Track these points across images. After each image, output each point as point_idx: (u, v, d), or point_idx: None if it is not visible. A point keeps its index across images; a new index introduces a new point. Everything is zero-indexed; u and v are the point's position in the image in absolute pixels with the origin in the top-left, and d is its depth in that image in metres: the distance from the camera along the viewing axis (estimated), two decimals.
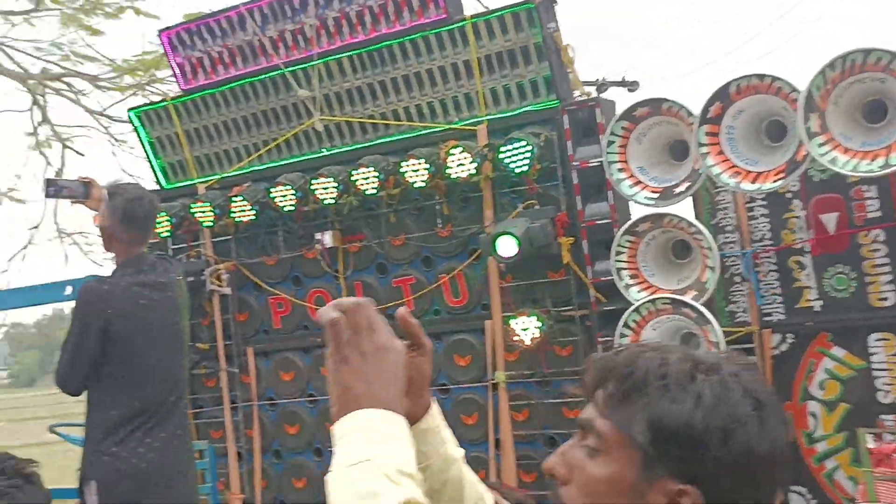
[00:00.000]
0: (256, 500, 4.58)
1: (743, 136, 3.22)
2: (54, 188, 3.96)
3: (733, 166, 3.19)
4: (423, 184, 3.96)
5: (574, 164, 3.78)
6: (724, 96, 3.14)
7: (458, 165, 3.88)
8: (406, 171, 3.96)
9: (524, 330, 3.83)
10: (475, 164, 3.85)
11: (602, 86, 10.49)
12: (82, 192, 3.90)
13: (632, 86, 10.94)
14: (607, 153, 3.51)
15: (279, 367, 4.66)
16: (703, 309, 3.34)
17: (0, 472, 1.88)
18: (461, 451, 1.22)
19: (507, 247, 3.63)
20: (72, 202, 3.94)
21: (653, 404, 0.96)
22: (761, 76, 3.07)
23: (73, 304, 3.27)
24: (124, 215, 3.31)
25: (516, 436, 4.02)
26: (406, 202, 4.19)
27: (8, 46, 7.54)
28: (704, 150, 3.21)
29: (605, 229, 3.75)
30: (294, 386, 4.63)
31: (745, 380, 0.99)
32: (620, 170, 3.50)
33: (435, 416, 1.20)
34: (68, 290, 3.77)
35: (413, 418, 1.14)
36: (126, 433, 3.21)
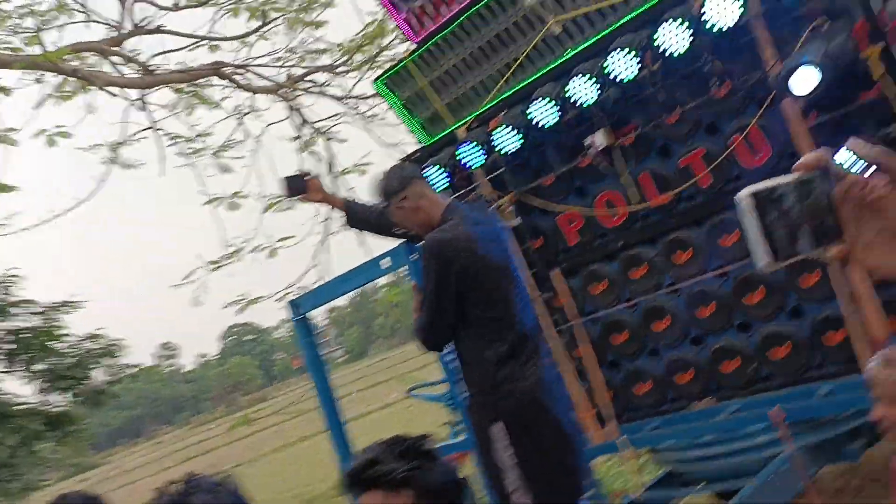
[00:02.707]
0: (609, 413, 4.59)
1: None
2: (284, 188, 3.99)
3: None
4: (685, 47, 3.59)
5: None
6: None
7: (719, 12, 3.45)
8: (662, 41, 3.61)
9: (848, 166, 3.35)
10: (740, 4, 3.41)
11: None
12: (301, 186, 3.94)
13: None
14: None
15: (588, 280, 4.58)
16: None
17: (401, 458, 1.79)
18: None
19: (806, 80, 3.17)
20: (298, 199, 4.00)
21: None
22: None
23: (421, 259, 3.39)
24: (415, 175, 3.54)
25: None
26: (670, 74, 3.84)
27: (253, 66, 8.18)
28: None
29: None
30: (609, 295, 4.54)
31: None
32: None
33: None
34: (385, 262, 3.98)
35: None
36: (511, 367, 3.35)
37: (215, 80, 8.09)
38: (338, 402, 4.47)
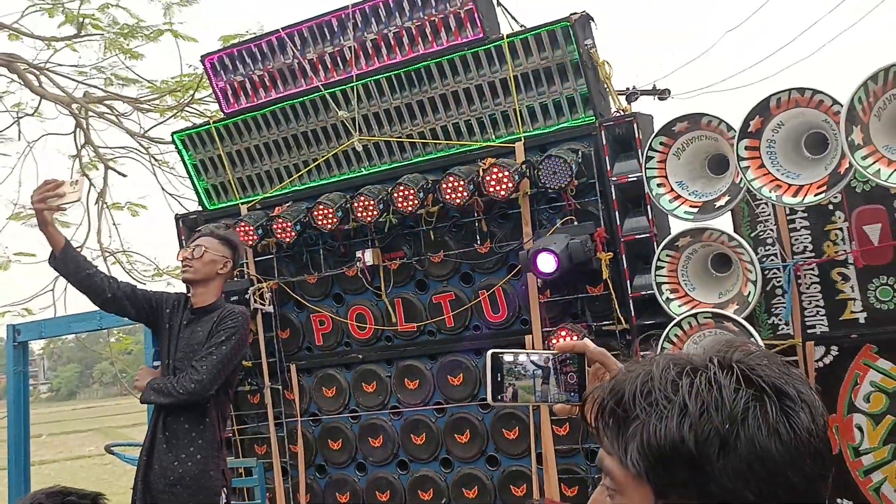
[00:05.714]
0: None
1: (783, 150, 3.21)
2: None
3: (774, 179, 3.19)
4: (462, 201, 4.01)
5: (612, 179, 3.80)
6: (764, 110, 3.15)
7: (496, 183, 3.91)
8: (445, 190, 4.00)
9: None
10: (513, 181, 3.89)
11: (632, 95, 10.45)
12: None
13: (662, 94, 10.88)
14: (646, 168, 3.53)
15: (322, 383, 4.72)
16: (745, 322, 3.34)
17: None
18: None
19: (546, 263, 3.65)
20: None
21: (643, 428, 0.86)
22: (802, 90, 3.07)
23: (232, 321, 3.54)
24: (237, 263, 3.87)
25: (558, 450, 4.04)
26: (445, 219, 4.24)
27: (51, 71, 7.73)
28: (745, 164, 3.21)
29: (644, 244, 3.76)
30: (336, 402, 4.69)
31: (746, 367, 0.87)
32: (660, 185, 3.52)
33: None
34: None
35: None
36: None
37: (4, 71, 7.54)
38: (28, 442, 4.15)
